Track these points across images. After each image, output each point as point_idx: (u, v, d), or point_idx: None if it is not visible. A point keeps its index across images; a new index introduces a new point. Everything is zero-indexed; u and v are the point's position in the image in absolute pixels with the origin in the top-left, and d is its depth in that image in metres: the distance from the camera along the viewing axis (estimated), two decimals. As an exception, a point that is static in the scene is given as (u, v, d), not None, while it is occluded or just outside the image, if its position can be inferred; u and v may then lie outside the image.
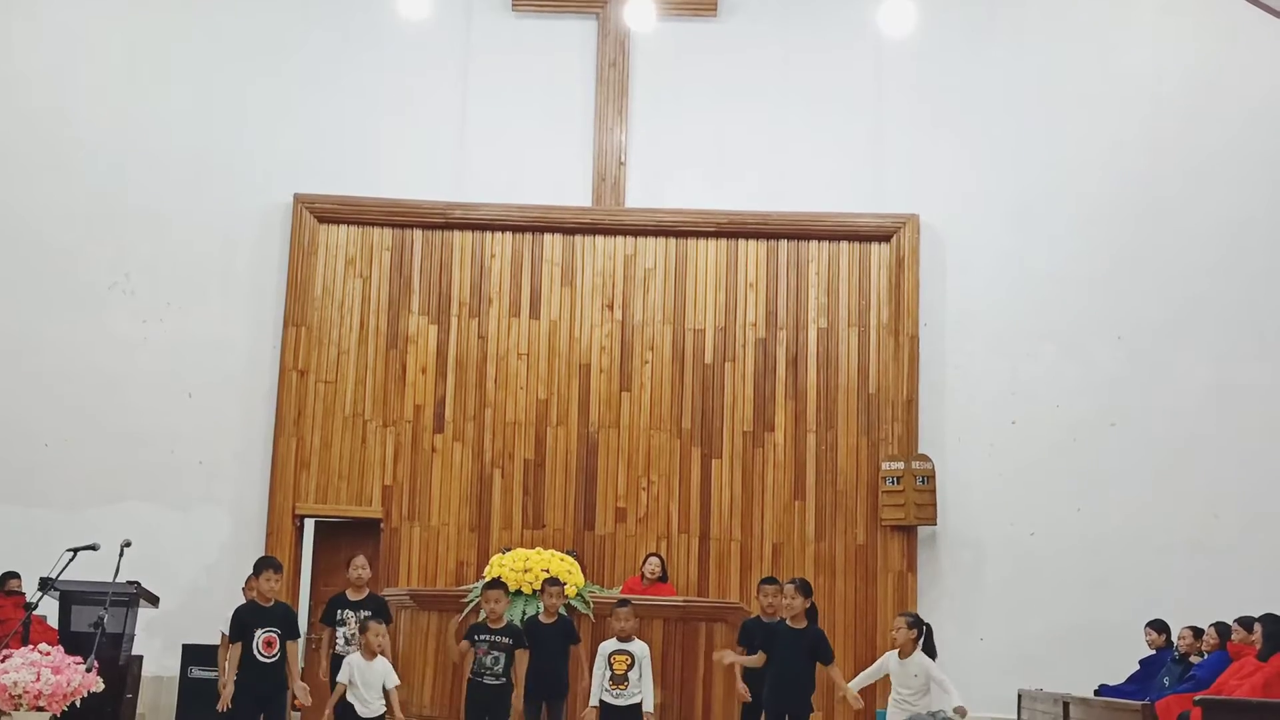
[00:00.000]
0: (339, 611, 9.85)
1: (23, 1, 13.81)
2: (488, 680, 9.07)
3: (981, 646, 12.82)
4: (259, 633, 8.72)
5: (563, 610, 9.63)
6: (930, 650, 8.95)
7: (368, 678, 8.95)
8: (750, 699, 9.12)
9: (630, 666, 9.15)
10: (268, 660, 8.73)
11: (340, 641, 9.79)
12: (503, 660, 9.07)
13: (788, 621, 8.77)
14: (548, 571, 10.19)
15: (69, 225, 13.51)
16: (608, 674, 9.16)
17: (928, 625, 9.06)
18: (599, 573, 12.94)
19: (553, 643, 9.33)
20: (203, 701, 11.26)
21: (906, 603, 12.80)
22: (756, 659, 8.86)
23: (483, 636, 9.14)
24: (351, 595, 9.91)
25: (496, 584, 9.42)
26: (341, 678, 8.98)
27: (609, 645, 9.29)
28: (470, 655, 9.14)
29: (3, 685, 7.35)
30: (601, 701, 9.16)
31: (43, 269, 13.43)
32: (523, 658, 9.18)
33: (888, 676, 9.10)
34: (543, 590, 9.58)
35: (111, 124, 13.68)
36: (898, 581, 12.98)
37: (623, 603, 9.49)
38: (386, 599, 10.29)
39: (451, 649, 9.56)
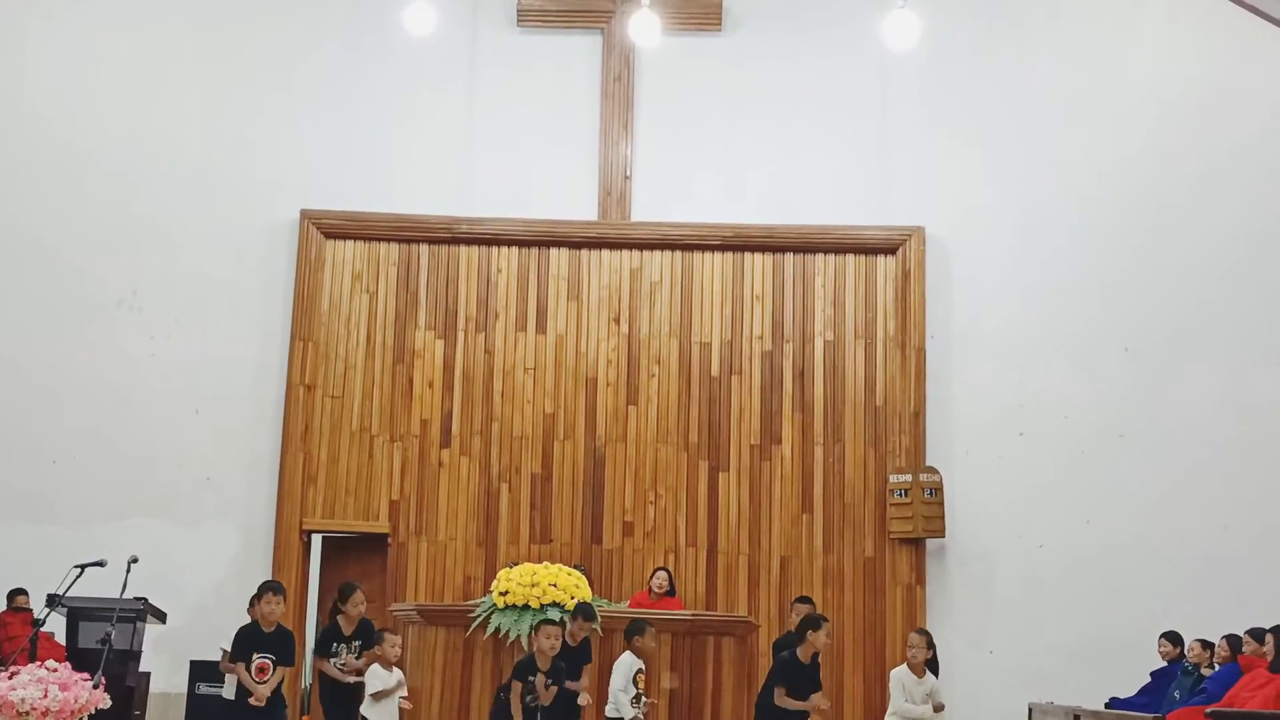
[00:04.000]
0: (332, 645, 9.55)
1: (33, 17, 13.84)
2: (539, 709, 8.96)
3: (991, 660, 12.78)
4: (255, 657, 8.81)
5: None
6: (934, 669, 9.46)
7: (389, 688, 9.08)
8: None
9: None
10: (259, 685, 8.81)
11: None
12: (556, 691, 8.90)
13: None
14: (555, 586, 10.12)
15: (77, 241, 13.52)
16: (635, 692, 9.03)
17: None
18: (606, 587, 12.90)
19: (574, 664, 9.24)
20: (210, 717, 11.27)
21: (915, 616, 12.76)
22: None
23: (533, 677, 8.90)
24: (344, 628, 9.55)
25: (551, 622, 9.17)
26: (372, 689, 9.07)
27: (634, 662, 9.10)
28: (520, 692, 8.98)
29: (10, 702, 7.35)
30: None
31: (51, 285, 13.44)
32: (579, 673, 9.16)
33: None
34: (574, 618, 9.36)
35: (119, 140, 13.69)
36: (906, 595, 12.93)
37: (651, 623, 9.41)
38: (374, 624, 9.73)
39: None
